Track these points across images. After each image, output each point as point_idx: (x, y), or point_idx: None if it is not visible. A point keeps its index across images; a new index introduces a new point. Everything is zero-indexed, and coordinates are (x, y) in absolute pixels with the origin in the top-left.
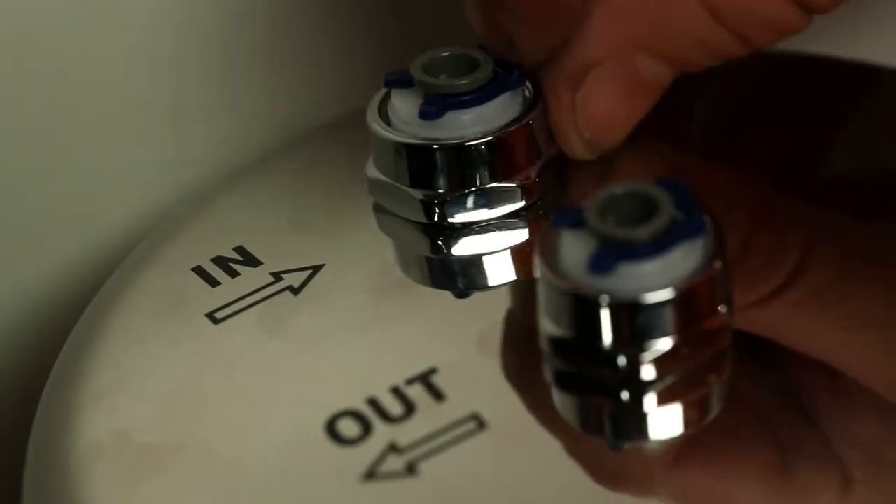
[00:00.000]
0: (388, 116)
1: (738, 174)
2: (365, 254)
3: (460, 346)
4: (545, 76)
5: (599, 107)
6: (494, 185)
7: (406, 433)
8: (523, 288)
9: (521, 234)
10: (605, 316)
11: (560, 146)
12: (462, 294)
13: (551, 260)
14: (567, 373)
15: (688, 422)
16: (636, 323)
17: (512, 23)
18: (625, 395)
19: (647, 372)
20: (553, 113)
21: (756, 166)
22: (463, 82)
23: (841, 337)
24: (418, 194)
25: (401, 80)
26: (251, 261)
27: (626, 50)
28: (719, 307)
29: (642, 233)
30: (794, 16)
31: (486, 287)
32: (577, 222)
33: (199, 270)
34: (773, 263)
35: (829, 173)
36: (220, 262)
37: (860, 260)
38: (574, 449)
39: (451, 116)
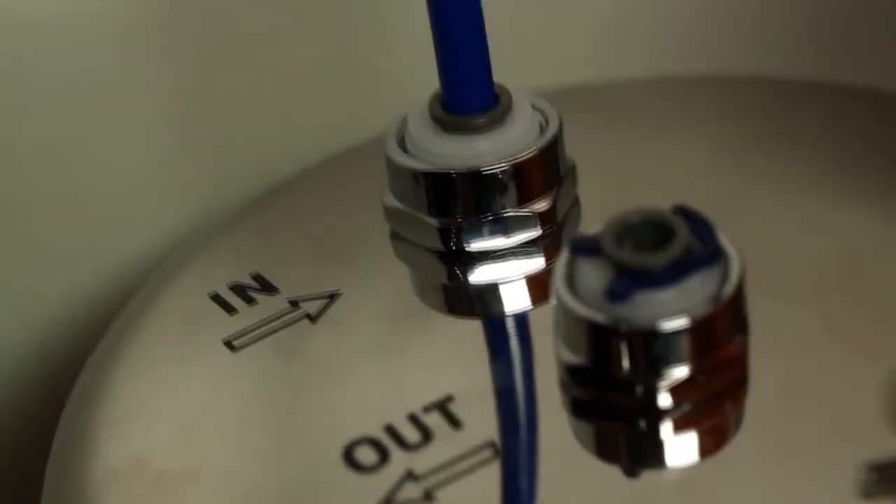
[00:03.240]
0: (404, 143)
1: None
2: (382, 281)
3: (477, 373)
4: None
5: None
6: (511, 212)
7: (423, 461)
8: (540, 316)
9: (537, 262)
10: (621, 344)
11: None
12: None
13: (568, 287)
14: (583, 400)
15: (704, 449)
16: (652, 351)
17: None
18: (641, 423)
19: (664, 399)
20: None
21: None
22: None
23: None
24: (435, 222)
25: None
26: (268, 288)
27: None
28: (736, 335)
29: (658, 260)
30: None
31: (502, 314)
32: (594, 250)
33: (217, 297)
34: None
35: None
36: (238, 289)
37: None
38: (590, 477)
39: (469, 141)
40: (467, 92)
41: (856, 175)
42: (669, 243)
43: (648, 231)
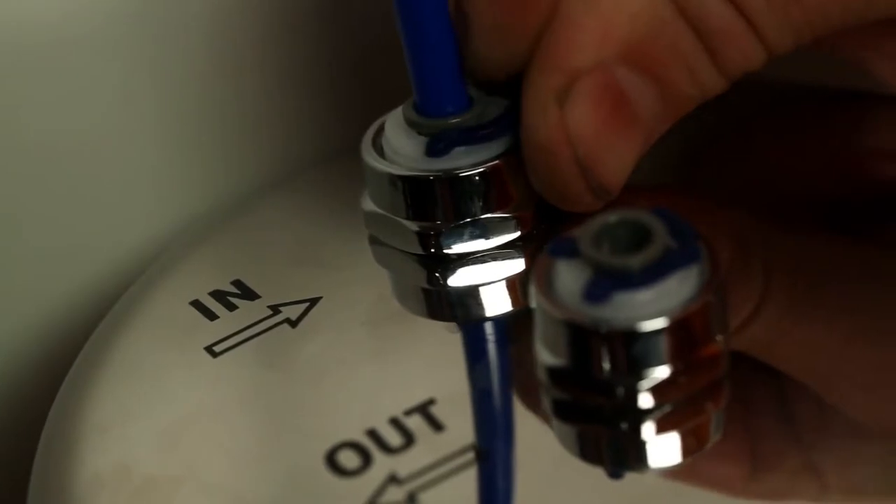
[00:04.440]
0: (382, 149)
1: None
2: (362, 286)
3: (458, 376)
4: (524, 89)
5: (586, 126)
6: (489, 215)
7: (406, 464)
8: (519, 318)
9: (517, 265)
10: (601, 345)
11: (545, 192)
12: (452, 329)
13: (547, 289)
14: (564, 402)
15: (686, 449)
16: (632, 351)
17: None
18: (622, 424)
19: (645, 400)
20: (537, 134)
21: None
22: (454, 120)
23: (812, 353)
24: (414, 226)
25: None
26: (249, 294)
27: (608, 62)
28: (716, 335)
29: (636, 261)
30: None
31: (482, 317)
32: (572, 251)
33: (198, 304)
34: (741, 292)
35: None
36: (218, 295)
37: (824, 275)
38: (572, 478)
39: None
40: (440, 95)
41: None
42: (647, 244)
43: (626, 232)
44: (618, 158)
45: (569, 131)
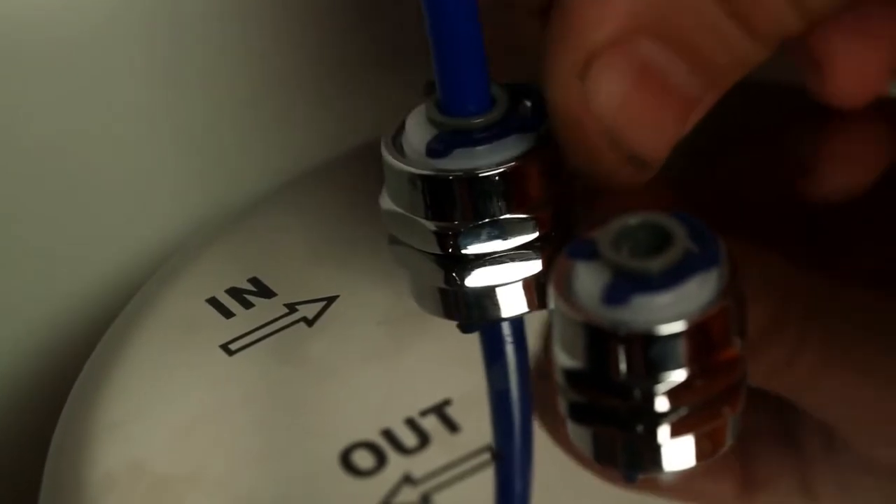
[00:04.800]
0: (401, 147)
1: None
2: (379, 285)
3: (474, 376)
4: (545, 66)
5: (610, 98)
6: (508, 216)
7: (420, 465)
8: (538, 319)
9: (535, 266)
10: (619, 347)
11: (581, 167)
12: (467, 329)
13: (565, 291)
14: (581, 404)
15: (702, 453)
16: (650, 354)
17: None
18: (639, 427)
19: (661, 403)
20: (562, 109)
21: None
22: (477, 121)
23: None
24: (432, 226)
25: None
26: (265, 292)
27: (629, 35)
28: (734, 339)
29: (656, 264)
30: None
31: (500, 318)
32: (591, 253)
33: (214, 301)
34: (774, 339)
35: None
36: (235, 293)
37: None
38: (588, 481)
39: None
40: (463, 94)
41: None
42: (667, 247)
43: (646, 234)
44: (652, 129)
45: (592, 105)
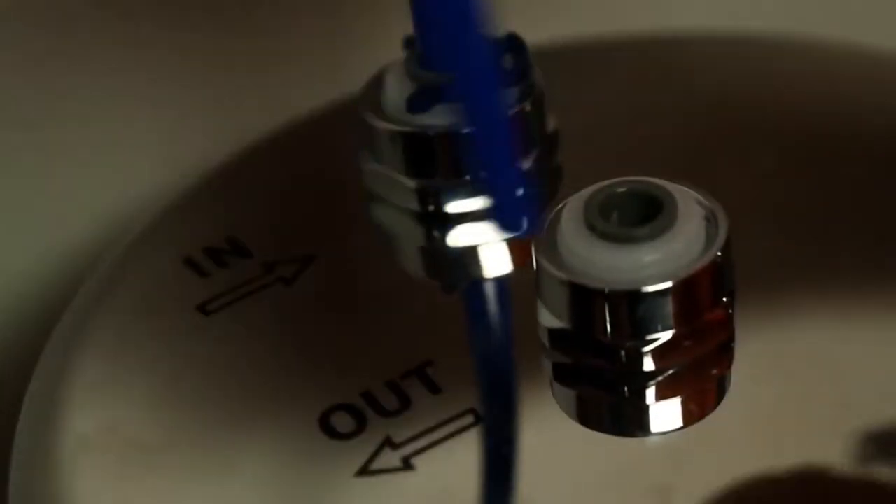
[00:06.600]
0: (380, 104)
1: None
2: (358, 244)
3: (456, 338)
4: None
5: None
6: None
7: (401, 428)
8: (521, 278)
9: None
10: (604, 306)
11: None
12: (450, 289)
13: (549, 249)
14: (566, 365)
15: (689, 414)
16: (636, 313)
17: None
18: (625, 388)
19: (648, 364)
20: None
21: None
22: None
23: None
24: (413, 183)
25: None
26: (242, 252)
27: None
28: (721, 299)
29: (643, 232)
30: None
31: (483, 278)
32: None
33: (190, 262)
34: None
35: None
36: (211, 252)
37: None
38: (572, 442)
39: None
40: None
41: None
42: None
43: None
44: None
45: None
